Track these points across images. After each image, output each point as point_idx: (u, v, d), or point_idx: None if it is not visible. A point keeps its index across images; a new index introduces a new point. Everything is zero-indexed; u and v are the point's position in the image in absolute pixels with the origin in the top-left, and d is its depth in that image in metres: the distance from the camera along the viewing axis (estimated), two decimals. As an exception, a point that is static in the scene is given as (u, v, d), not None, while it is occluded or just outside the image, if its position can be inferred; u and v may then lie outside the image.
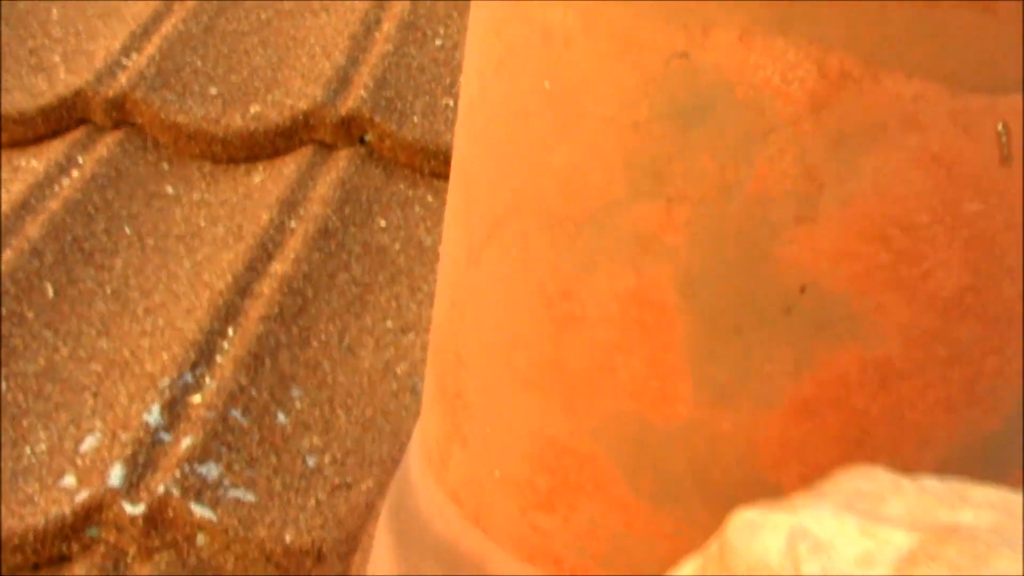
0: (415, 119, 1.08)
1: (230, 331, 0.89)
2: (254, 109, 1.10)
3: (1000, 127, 0.39)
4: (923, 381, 0.44)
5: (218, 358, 0.87)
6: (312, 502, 0.75)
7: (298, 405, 0.84)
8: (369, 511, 0.74)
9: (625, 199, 0.44)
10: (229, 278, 0.94)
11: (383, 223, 1.01)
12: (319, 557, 0.72)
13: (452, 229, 0.57)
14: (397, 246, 0.99)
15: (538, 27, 0.45)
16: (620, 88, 0.43)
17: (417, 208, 1.04)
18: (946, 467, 0.46)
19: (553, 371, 0.50)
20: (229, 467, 0.78)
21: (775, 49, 0.39)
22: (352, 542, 0.72)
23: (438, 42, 1.20)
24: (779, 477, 0.46)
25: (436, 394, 0.60)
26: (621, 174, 0.44)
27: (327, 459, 0.79)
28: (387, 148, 1.07)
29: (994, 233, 0.41)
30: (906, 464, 0.46)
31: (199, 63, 1.15)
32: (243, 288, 0.93)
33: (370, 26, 1.19)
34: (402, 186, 1.06)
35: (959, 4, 0.37)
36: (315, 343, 0.89)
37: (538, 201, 0.47)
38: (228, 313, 0.91)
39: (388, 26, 1.19)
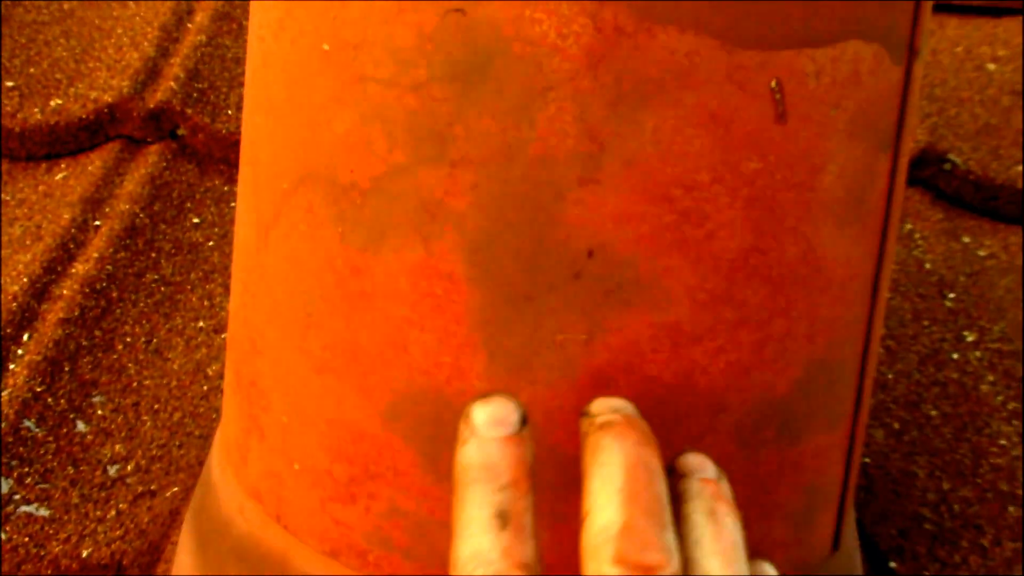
0: (229, 112, 1.03)
1: (25, 337, 0.83)
2: (55, 103, 1.03)
3: (774, 84, 0.39)
4: (714, 345, 0.44)
5: (11, 366, 0.80)
6: (112, 513, 0.70)
7: (100, 412, 0.78)
8: (173, 518, 0.69)
9: (409, 164, 0.42)
10: (24, 281, 0.87)
11: (196, 220, 0.97)
12: (120, 570, 0.67)
13: (242, 209, 0.54)
14: (211, 243, 0.95)
15: (314, -14, 0.43)
16: (398, 48, 0.41)
17: (233, 204, 1.00)
18: (740, 433, 0.46)
19: (346, 352, 0.47)
20: (20, 481, 0.72)
21: (550, 2, 0.38)
22: (155, 552, 0.67)
23: (257, 35, 1.16)
24: (577, 450, 0.45)
25: (233, 385, 0.56)
26: (404, 138, 0.42)
27: (130, 467, 0.74)
28: (200, 142, 1.02)
29: (774, 192, 0.42)
30: (702, 431, 0.46)
31: (-7, 54, 1.07)
32: (40, 291, 0.86)
33: (182, 16, 1.14)
34: (217, 182, 1.01)
35: (727, -43, 0.37)
36: (120, 346, 0.84)
37: (323, 171, 0.45)
38: (23, 318, 0.84)
39: (201, 16, 1.14)
